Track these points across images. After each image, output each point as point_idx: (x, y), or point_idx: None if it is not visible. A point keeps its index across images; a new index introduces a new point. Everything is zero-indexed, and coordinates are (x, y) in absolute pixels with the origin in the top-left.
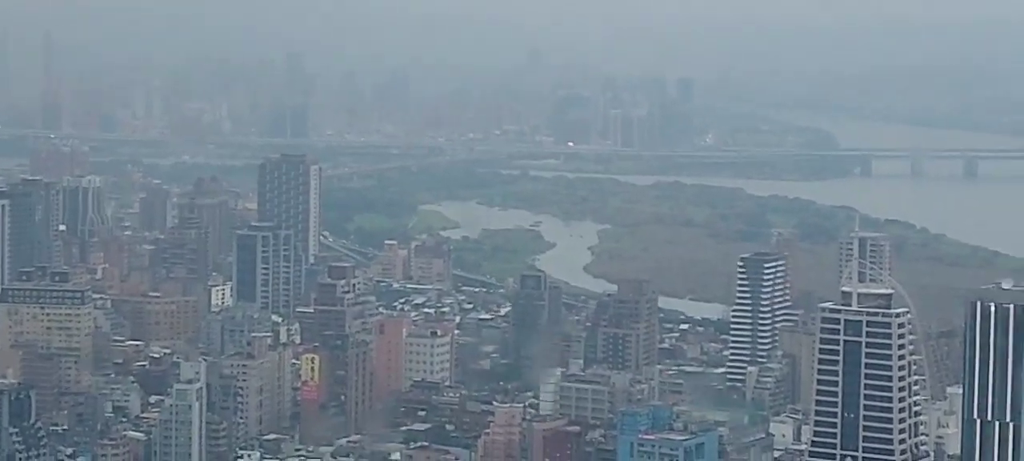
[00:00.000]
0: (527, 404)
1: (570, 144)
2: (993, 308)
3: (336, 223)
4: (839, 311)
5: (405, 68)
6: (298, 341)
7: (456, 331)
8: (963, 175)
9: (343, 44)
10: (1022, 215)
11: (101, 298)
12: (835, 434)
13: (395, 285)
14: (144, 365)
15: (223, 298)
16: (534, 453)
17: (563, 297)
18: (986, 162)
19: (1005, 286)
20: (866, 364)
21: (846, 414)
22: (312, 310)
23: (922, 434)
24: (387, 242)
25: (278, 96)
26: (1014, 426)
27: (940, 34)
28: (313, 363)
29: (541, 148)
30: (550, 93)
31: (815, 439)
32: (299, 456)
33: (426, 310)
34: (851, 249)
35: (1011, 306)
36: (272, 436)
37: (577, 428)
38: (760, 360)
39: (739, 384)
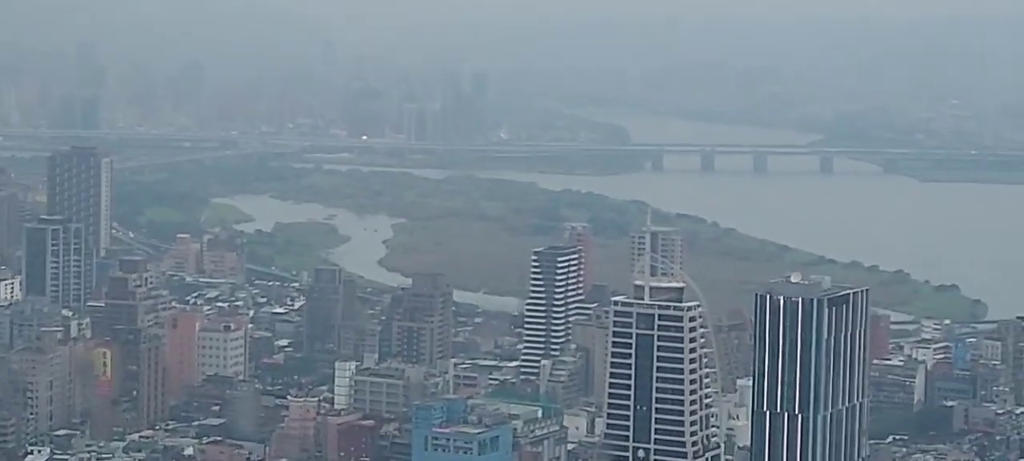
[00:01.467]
0: (321, 398)
1: (364, 137)
2: (782, 301)
3: (128, 216)
4: (631, 305)
5: (197, 60)
6: (89, 335)
7: (250, 325)
8: (752, 170)
9: (134, 34)
10: (809, 209)
11: None
12: (628, 427)
13: (188, 279)
14: None
15: (12, 292)
16: (328, 447)
17: (358, 291)
18: (774, 157)
19: (793, 280)
20: (658, 357)
21: (638, 407)
22: (103, 304)
23: (713, 426)
24: (179, 235)
25: (68, 87)
26: (802, 418)
27: (726, 32)
28: (105, 358)
29: (335, 141)
30: (344, 86)
31: (608, 432)
32: (90, 452)
33: (219, 304)
34: (643, 243)
35: (799, 300)
36: (63, 432)
37: (371, 422)
38: (554, 353)
39: (533, 377)
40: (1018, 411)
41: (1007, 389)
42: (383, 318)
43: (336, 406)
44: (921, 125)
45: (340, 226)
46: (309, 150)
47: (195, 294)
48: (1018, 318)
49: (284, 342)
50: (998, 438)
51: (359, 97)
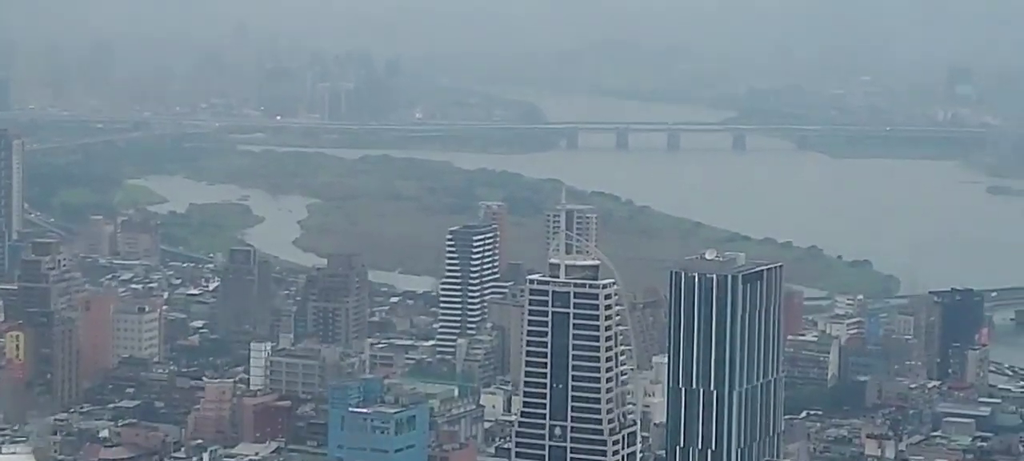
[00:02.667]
0: (237, 379)
1: (278, 118)
2: (696, 278)
3: (40, 198)
4: (547, 283)
5: (110, 41)
6: (2, 319)
7: (164, 307)
8: (666, 148)
9: (43, 16)
10: (723, 187)
11: None
12: (544, 404)
13: (102, 261)
14: None
15: None
16: (245, 428)
17: (273, 271)
18: (688, 135)
19: (707, 257)
20: (574, 335)
21: (555, 385)
22: (16, 287)
23: (629, 403)
24: (93, 217)
25: None
26: (718, 394)
27: (639, 10)
28: (17, 341)
29: (249, 122)
30: (257, 67)
31: (524, 410)
32: (3, 435)
33: (134, 286)
34: (558, 221)
35: (714, 277)
36: None
37: (288, 402)
38: (470, 332)
39: (449, 356)
40: (930, 385)
41: (919, 363)
42: (298, 299)
43: (252, 387)
44: (833, 102)
45: (254, 207)
46: (223, 131)
47: (109, 276)
48: (930, 293)
49: (199, 323)
50: (911, 412)
51: (273, 78)
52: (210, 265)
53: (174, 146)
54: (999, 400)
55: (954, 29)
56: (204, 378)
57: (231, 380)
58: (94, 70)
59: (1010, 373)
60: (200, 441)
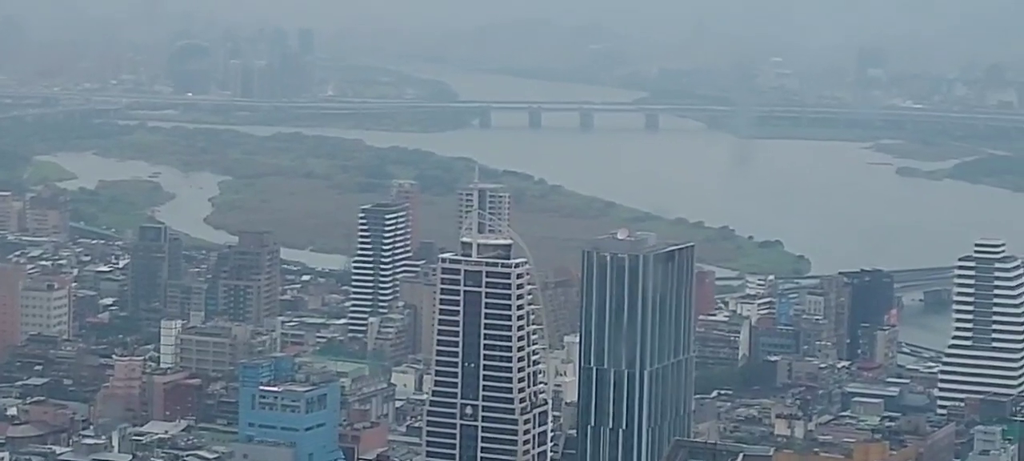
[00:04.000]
0: (147, 357)
1: (189, 94)
2: (608, 258)
3: None
4: (459, 261)
5: (18, 15)
6: None
7: (73, 284)
8: (579, 127)
9: None
10: (636, 166)
11: None
12: (456, 383)
13: (10, 237)
14: None
15: None
16: (155, 406)
17: (183, 249)
18: (601, 115)
19: (620, 236)
20: (486, 314)
21: (466, 363)
22: None
23: (541, 382)
24: (1, 194)
25: None
26: (629, 373)
27: None
28: None
29: (159, 98)
30: (168, 43)
31: (436, 389)
32: None
33: (42, 263)
34: (471, 200)
35: (625, 256)
36: None
37: (198, 380)
38: (381, 311)
39: (361, 335)
40: (840, 365)
41: (829, 344)
42: (209, 276)
43: (162, 365)
44: (745, 83)
45: (165, 184)
46: (133, 107)
47: (17, 253)
48: (840, 274)
49: (109, 301)
50: (820, 392)
51: (184, 54)
52: (120, 242)
53: (84, 122)
54: (907, 380)
55: (865, 12)
56: (113, 356)
57: (141, 358)
58: (1, 45)
59: (918, 354)
60: (109, 419)
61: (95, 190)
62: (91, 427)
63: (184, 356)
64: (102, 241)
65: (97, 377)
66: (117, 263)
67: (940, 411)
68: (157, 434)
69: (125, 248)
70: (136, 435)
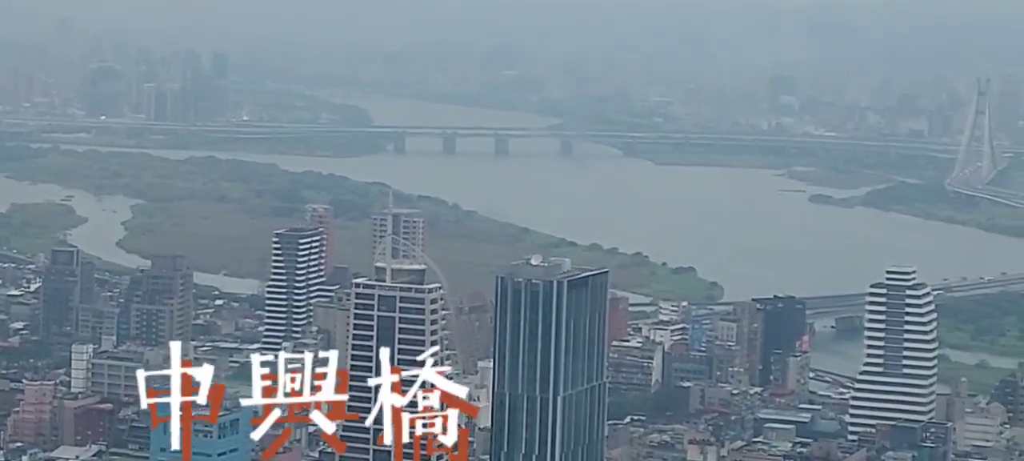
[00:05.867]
0: (58, 382)
1: (102, 117)
2: (522, 284)
3: None
4: (373, 287)
5: None
6: None
7: None
8: (494, 153)
9: None
10: (550, 192)
11: None
12: (369, 409)
13: None
14: None
15: None
16: (65, 431)
17: (96, 273)
18: (516, 140)
19: (534, 262)
20: (399, 339)
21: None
22: None
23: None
24: None
25: None
26: (542, 399)
27: (465, 11)
28: None
29: (72, 121)
30: (81, 65)
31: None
32: None
33: None
34: (385, 225)
35: (539, 282)
36: None
37: (110, 405)
38: (295, 336)
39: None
40: (752, 391)
41: (742, 370)
42: (122, 300)
43: (73, 389)
44: (659, 109)
45: (77, 207)
46: (46, 130)
47: None
48: (753, 300)
49: (19, 325)
50: (733, 418)
51: (97, 76)
52: (31, 266)
53: None
54: (819, 407)
55: (778, 40)
56: (24, 380)
57: (52, 382)
58: None
59: (830, 380)
60: (19, 444)
61: (7, 213)
62: (1, 452)
63: (96, 381)
64: (13, 265)
65: (7, 402)
66: (28, 287)
67: (851, 437)
68: (68, 459)
69: (36, 271)
70: (46, 460)
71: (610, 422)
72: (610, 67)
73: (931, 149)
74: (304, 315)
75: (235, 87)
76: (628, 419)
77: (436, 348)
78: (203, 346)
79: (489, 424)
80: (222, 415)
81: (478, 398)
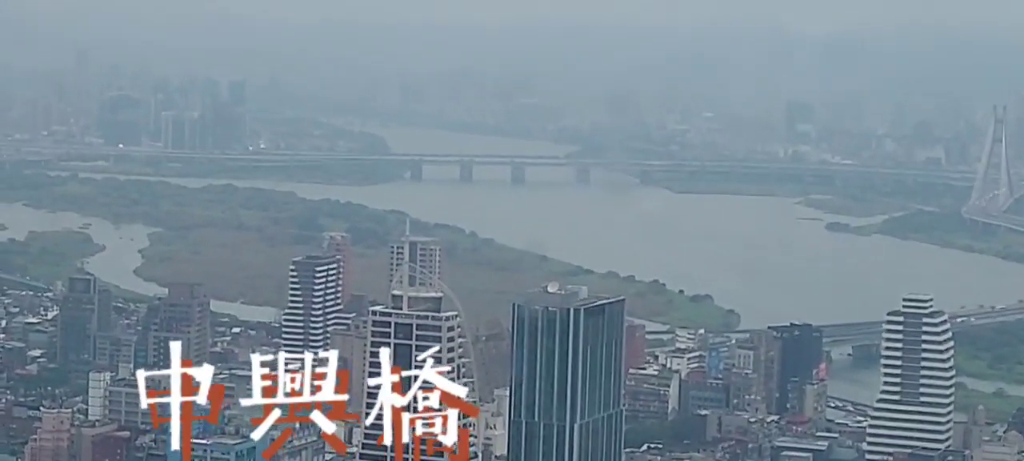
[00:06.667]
0: (75, 409)
1: (120, 146)
2: (539, 312)
3: None
4: (390, 314)
5: None
6: None
7: (1, 335)
8: (511, 181)
9: None
10: (567, 220)
11: None
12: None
13: None
14: None
15: None
16: (83, 458)
17: (113, 301)
18: (532, 168)
19: (551, 289)
20: (416, 367)
21: None
22: None
23: (471, 436)
24: None
25: None
26: (559, 427)
27: (482, 40)
28: None
29: (90, 150)
30: (99, 94)
31: (366, 442)
32: None
33: None
34: (402, 253)
35: (556, 310)
36: None
37: (127, 433)
38: None
39: None
40: (769, 419)
41: (759, 398)
42: (139, 328)
43: (90, 417)
44: (676, 137)
45: (95, 235)
46: (64, 158)
47: None
48: (769, 328)
49: (37, 353)
50: (750, 446)
51: (115, 105)
52: (49, 294)
53: (14, 173)
54: (836, 434)
55: (794, 68)
56: (41, 408)
57: (69, 410)
58: None
59: (847, 408)
60: None
61: (25, 241)
62: None
63: (113, 408)
64: (31, 292)
65: (25, 429)
66: (46, 315)
67: None
68: None
69: (54, 300)
70: None
71: (627, 450)
72: (627, 95)
73: (948, 177)
74: (321, 342)
75: (253, 115)
76: (645, 447)
77: (436, 348)
78: (221, 374)
79: (506, 452)
80: (239, 443)
81: (495, 426)
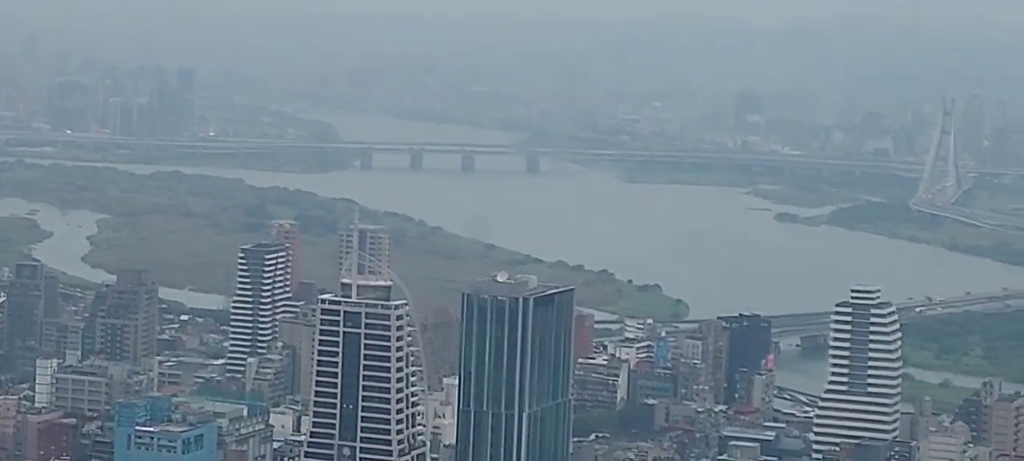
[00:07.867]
0: (22, 396)
1: (68, 132)
2: (487, 301)
3: None
4: (339, 303)
5: None
6: None
7: None
8: (461, 169)
9: None
10: (516, 209)
11: None
12: (334, 425)
13: None
14: None
15: None
16: (29, 446)
17: (60, 287)
18: (482, 157)
19: (500, 279)
20: (365, 355)
21: (345, 405)
22: None
23: (419, 424)
24: None
25: None
26: (507, 416)
27: (432, 29)
28: None
29: (38, 136)
30: (47, 80)
31: (314, 430)
32: None
33: None
34: (351, 241)
35: (505, 299)
36: None
37: (73, 420)
38: (260, 351)
39: (239, 375)
40: (717, 409)
41: (707, 387)
42: (86, 315)
43: (37, 404)
44: (626, 127)
45: (42, 221)
46: (11, 144)
47: None
48: (718, 318)
49: None
50: (697, 435)
51: (63, 91)
52: None
53: None
54: (783, 425)
55: (744, 59)
56: None
57: (16, 397)
58: None
59: (795, 398)
60: None
61: None
62: None
63: (60, 395)
64: None
65: None
66: None
67: (815, 455)
68: None
69: (1, 286)
70: None
71: (575, 439)
72: (577, 85)
73: (896, 168)
74: (269, 331)
75: (201, 102)
76: (593, 436)
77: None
78: (168, 362)
79: (454, 440)
80: (186, 430)
81: (444, 414)
